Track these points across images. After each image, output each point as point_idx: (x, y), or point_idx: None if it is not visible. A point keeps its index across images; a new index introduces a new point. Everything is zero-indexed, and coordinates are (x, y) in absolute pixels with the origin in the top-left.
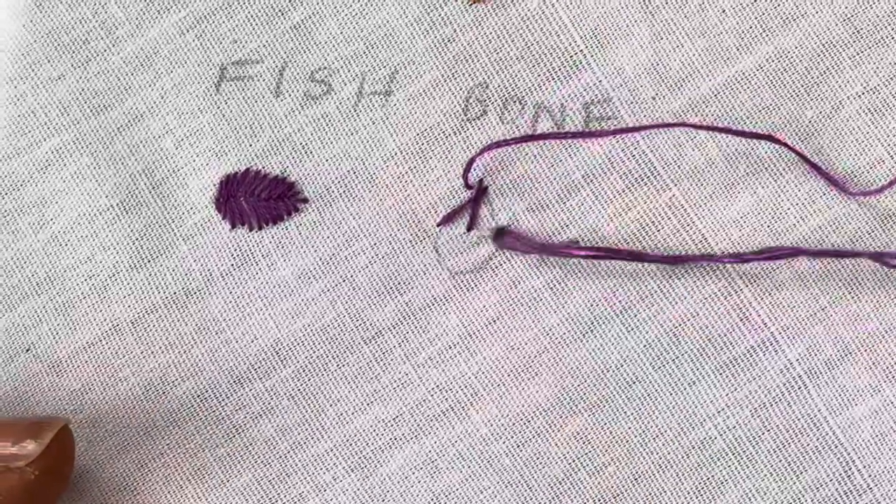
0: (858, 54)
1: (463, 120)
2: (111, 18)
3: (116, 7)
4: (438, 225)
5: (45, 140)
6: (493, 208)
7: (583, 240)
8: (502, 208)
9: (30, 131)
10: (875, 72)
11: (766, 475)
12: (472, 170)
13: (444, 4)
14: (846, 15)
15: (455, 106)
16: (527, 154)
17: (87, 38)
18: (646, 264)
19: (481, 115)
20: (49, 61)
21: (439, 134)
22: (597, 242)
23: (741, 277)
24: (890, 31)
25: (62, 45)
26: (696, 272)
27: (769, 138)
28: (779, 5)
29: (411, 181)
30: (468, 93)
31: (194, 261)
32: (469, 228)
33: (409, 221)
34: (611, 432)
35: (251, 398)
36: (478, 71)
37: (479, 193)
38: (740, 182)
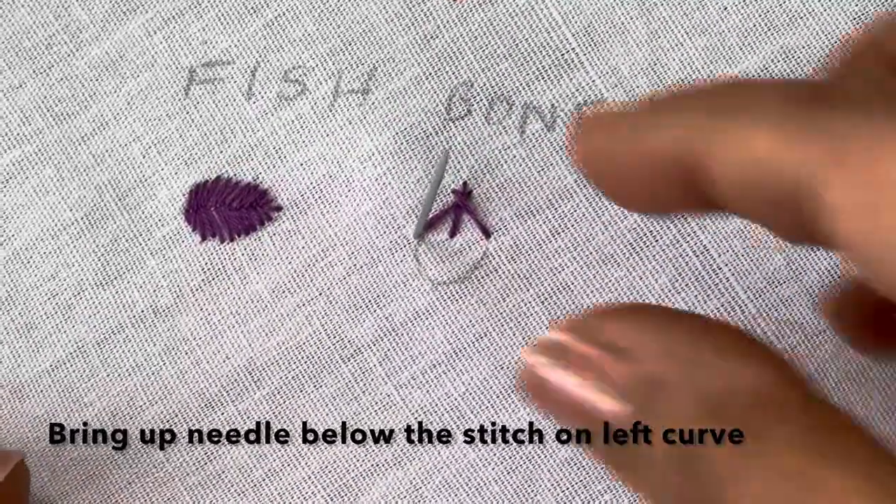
0: None
1: (446, 119)
2: (75, 21)
3: (80, 9)
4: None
5: (5, 152)
6: (478, 214)
7: (576, 249)
8: (488, 214)
9: None
10: None
11: None
12: (455, 172)
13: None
14: (856, 13)
15: (437, 105)
16: (515, 156)
17: (49, 43)
18: (645, 276)
19: (465, 114)
20: (9, 68)
21: (420, 134)
22: (591, 252)
23: (745, 292)
24: None
25: (23, 51)
26: (697, 286)
27: None
28: (784, 2)
29: (390, 184)
30: (452, 91)
31: (163, 276)
32: (452, 235)
33: (388, 228)
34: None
35: (223, 422)
36: (462, 69)
37: (463, 198)
38: None
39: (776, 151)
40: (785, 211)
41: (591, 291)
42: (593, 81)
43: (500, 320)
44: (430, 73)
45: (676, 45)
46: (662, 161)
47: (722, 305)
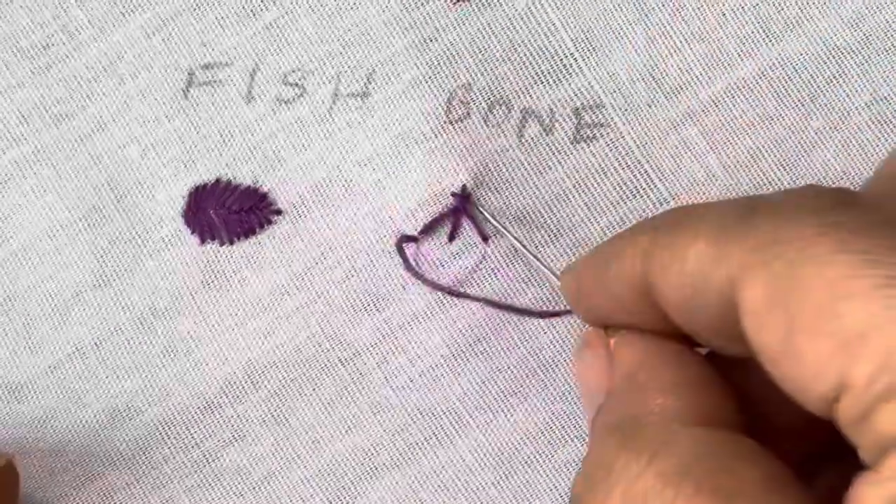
0: (867, 61)
1: (445, 122)
2: (73, 21)
3: (78, 9)
4: (418, 234)
5: (3, 152)
6: (477, 217)
7: (573, 252)
8: (487, 217)
9: None
10: (884, 80)
11: None
12: (454, 175)
13: (426, 2)
14: (853, 19)
15: (436, 107)
16: (513, 160)
17: (47, 43)
18: None
19: (464, 117)
20: (7, 68)
21: (419, 136)
22: None
23: None
24: None
25: (21, 51)
26: None
27: None
28: (782, 9)
29: (389, 187)
30: (450, 94)
31: (161, 278)
32: (451, 239)
33: (387, 231)
34: None
35: (222, 424)
36: (461, 71)
37: (462, 201)
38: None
39: (705, 263)
40: (720, 323)
41: None
42: (591, 86)
43: (497, 324)
44: (429, 76)
45: (674, 51)
46: (630, 287)
47: None
